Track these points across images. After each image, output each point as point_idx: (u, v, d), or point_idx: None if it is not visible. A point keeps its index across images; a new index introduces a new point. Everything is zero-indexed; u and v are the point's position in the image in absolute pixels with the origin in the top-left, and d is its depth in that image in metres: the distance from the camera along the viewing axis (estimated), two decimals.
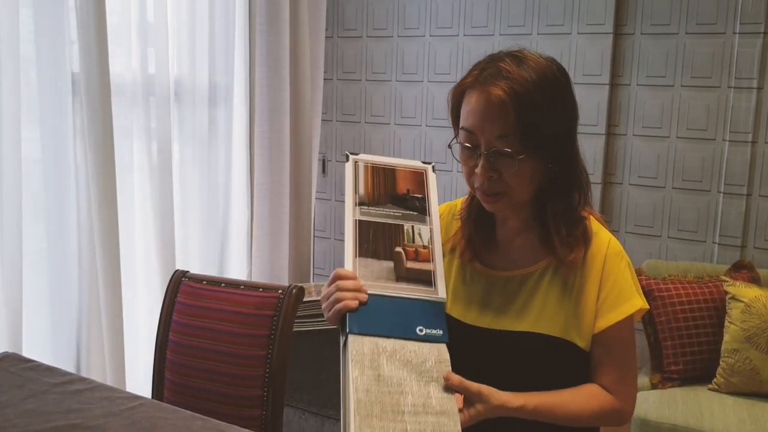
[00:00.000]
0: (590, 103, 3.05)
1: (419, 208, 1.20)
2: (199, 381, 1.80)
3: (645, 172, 3.03)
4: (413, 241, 1.15)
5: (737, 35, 2.78)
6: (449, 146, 1.23)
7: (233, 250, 3.13)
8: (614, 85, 3.03)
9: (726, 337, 2.44)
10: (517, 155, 1.12)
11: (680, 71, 2.91)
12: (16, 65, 2.08)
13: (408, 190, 1.21)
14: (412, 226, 1.17)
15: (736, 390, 2.43)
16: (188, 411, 1.53)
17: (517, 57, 1.15)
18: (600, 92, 3.03)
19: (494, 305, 1.25)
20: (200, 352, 1.81)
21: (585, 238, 1.21)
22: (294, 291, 1.77)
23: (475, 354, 1.23)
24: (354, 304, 1.06)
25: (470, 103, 1.15)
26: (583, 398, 1.19)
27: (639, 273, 2.67)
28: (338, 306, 1.06)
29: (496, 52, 1.20)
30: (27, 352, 2.06)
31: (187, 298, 1.86)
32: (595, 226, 1.24)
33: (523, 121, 1.10)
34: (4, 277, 2.12)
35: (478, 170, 1.15)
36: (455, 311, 1.28)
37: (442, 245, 1.24)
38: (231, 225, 3.11)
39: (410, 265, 1.13)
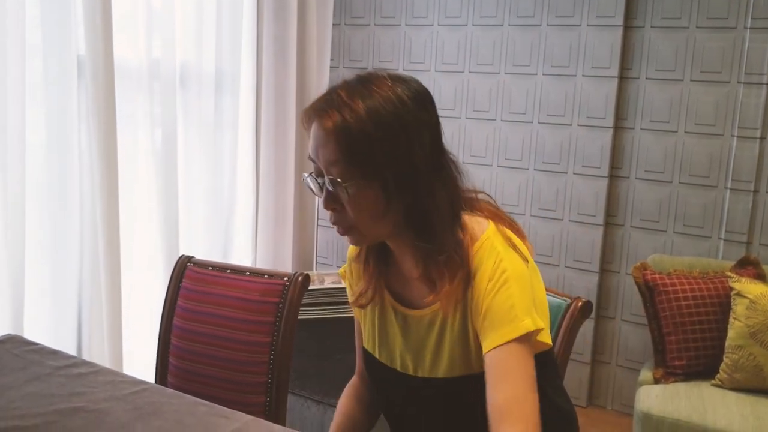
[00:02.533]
0: (599, 96, 3.03)
1: None
2: (203, 366, 1.79)
3: (652, 166, 3.02)
4: None
5: (748, 30, 2.76)
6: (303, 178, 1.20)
7: (238, 238, 3.13)
8: (623, 78, 3.01)
9: (730, 333, 2.43)
10: (343, 183, 1.07)
11: (690, 66, 2.89)
12: (22, 49, 2.07)
13: None
14: None
15: (740, 386, 2.42)
16: (192, 396, 1.52)
17: (361, 83, 1.10)
18: (609, 85, 3.01)
19: (413, 348, 1.23)
20: (205, 337, 1.80)
21: (450, 272, 1.12)
22: (299, 278, 1.76)
23: (408, 397, 1.26)
24: None
25: (311, 130, 1.11)
26: None
27: (644, 268, 2.66)
28: None
29: (348, 78, 1.15)
30: (29, 336, 2.06)
31: (192, 283, 1.85)
32: (489, 246, 1.14)
33: (349, 149, 1.05)
34: (7, 260, 2.12)
35: (322, 202, 1.13)
36: (383, 356, 1.28)
37: (356, 296, 1.27)
38: (236, 213, 3.10)
39: None
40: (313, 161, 1.12)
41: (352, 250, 1.34)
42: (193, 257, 1.92)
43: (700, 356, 2.52)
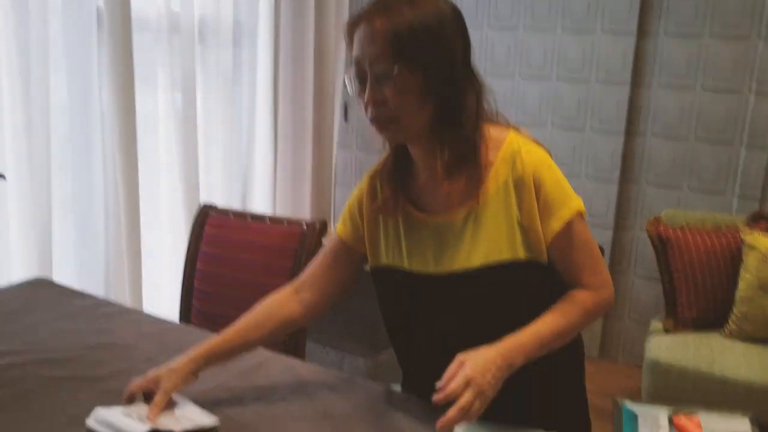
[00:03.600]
0: (616, 52, 3.03)
1: None
2: (225, 308, 1.86)
3: (668, 123, 3.02)
4: None
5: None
6: (344, 84, 1.27)
7: (256, 192, 3.18)
8: (641, 36, 3.00)
9: (741, 285, 2.46)
10: (400, 72, 1.15)
11: (709, 22, 2.87)
12: (44, 7, 2.12)
13: None
14: None
15: (748, 336, 2.46)
16: (215, 334, 1.58)
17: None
18: (626, 42, 3.00)
19: (448, 249, 1.28)
20: (226, 280, 1.86)
21: (476, 163, 1.23)
22: (317, 225, 1.81)
23: (446, 300, 1.27)
24: None
25: (358, 34, 1.19)
26: (567, 312, 1.22)
27: (657, 222, 2.68)
28: None
29: None
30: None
31: (214, 229, 1.91)
32: (516, 143, 1.25)
33: (397, 43, 1.14)
34: (34, 216, 2.19)
35: (365, 97, 1.19)
36: (415, 265, 1.30)
37: (375, 209, 1.33)
38: (255, 168, 3.15)
39: None
40: (357, 63, 1.19)
41: (376, 169, 1.39)
42: (214, 205, 1.98)
43: (710, 308, 2.55)
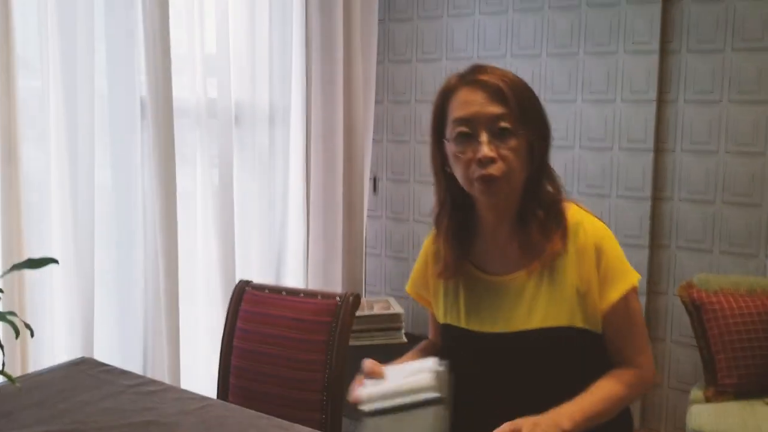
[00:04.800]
0: (638, 120, 3.08)
1: None
2: (262, 385, 1.89)
3: (694, 187, 3.04)
4: None
5: None
6: (436, 151, 1.34)
7: (290, 266, 3.24)
8: (661, 102, 3.06)
9: None
10: (516, 131, 1.22)
11: (727, 87, 2.93)
12: (91, 95, 2.25)
13: None
14: None
15: None
16: (253, 410, 1.62)
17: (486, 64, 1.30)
18: (647, 109, 3.06)
19: (505, 309, 1.31)
20: (263, 356, 1.90)
21: (560, 223, 1.28)
22: (351, 298, 1.86)
23: (499, 360, 1.30)
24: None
25: (461, 97, 1.25)
26: (613, 387, 1.25)
27: (690, 286, 2.68)
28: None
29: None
30: (98, 358, 2.19)
31: (250, 305, 1.97)
32: (579, 214, 1.31)
33: (518, 102, 1.21)
34: (78, 292, 2.27)
35: (480, 154, 1.23)
36: (472, 324, 1.34)
37: (438, 273, 1.38)
38: (288, 242, 3.23)
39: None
40: (465, 122, 1.25)
41: (428, 240, 1.46)
42: (250, 281, 2.04)
43: (752, 374, 2.51)
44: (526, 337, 1.28)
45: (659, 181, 3.11)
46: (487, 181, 1.25)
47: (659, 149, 3.09)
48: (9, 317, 1.26)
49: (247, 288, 2.01)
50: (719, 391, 2.53)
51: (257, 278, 2.99)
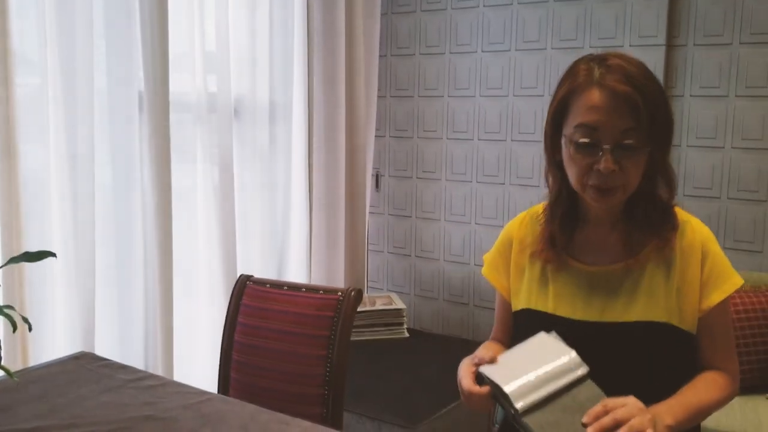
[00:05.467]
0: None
1: None
2: (263, 379, 1.88)
3: (700, 182, 3.02)
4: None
5: None
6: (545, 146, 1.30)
7: (292, 262, 3.23)
8: (668, 96, 3.03)
9: None
10: (644, 147, 1.18)
11: (734, 82, 2.90)
12: (90, 90, 2.24)
13: None
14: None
15: None
16: (254, 405, 1.61)
17: (619, 56, 1.22)
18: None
19: (599, 299, 1.29)
20: (264, 351, 1.89)
21: (670, 221, 1.27)
22: (353, 293, 1.84)
23: (587, 348, 1.25)
24: None
25: (591, 100, 1.19)
26: (710, 390, 1.24)
27: None
28: None
29: (590, 54, 1.26)
30: (98, 353, 2.18)
31: (251, 300, 1.95)
32: (685, 215, 1.30)
33: (649, 115, 1.16)
34: (78, 287, 2.27)
35: (601, 166, 1.18)
36: (561, 310, 1.32)
37: (527, 250, 1.35)
38: (290, 238, 3.21)
39: None
40: (589, 128, 1.20)
41: (536, 211, 1.43)
42: (252, 276, 2.02)
43: (754, 370, 2.49)
44: (622, 328, 1.26)
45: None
46: (603, 191, 1.22)
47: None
48: (6, 311, 1.25)
49: (248, 283, 2.00)
50: None
51: (259, 273, 2.98)
